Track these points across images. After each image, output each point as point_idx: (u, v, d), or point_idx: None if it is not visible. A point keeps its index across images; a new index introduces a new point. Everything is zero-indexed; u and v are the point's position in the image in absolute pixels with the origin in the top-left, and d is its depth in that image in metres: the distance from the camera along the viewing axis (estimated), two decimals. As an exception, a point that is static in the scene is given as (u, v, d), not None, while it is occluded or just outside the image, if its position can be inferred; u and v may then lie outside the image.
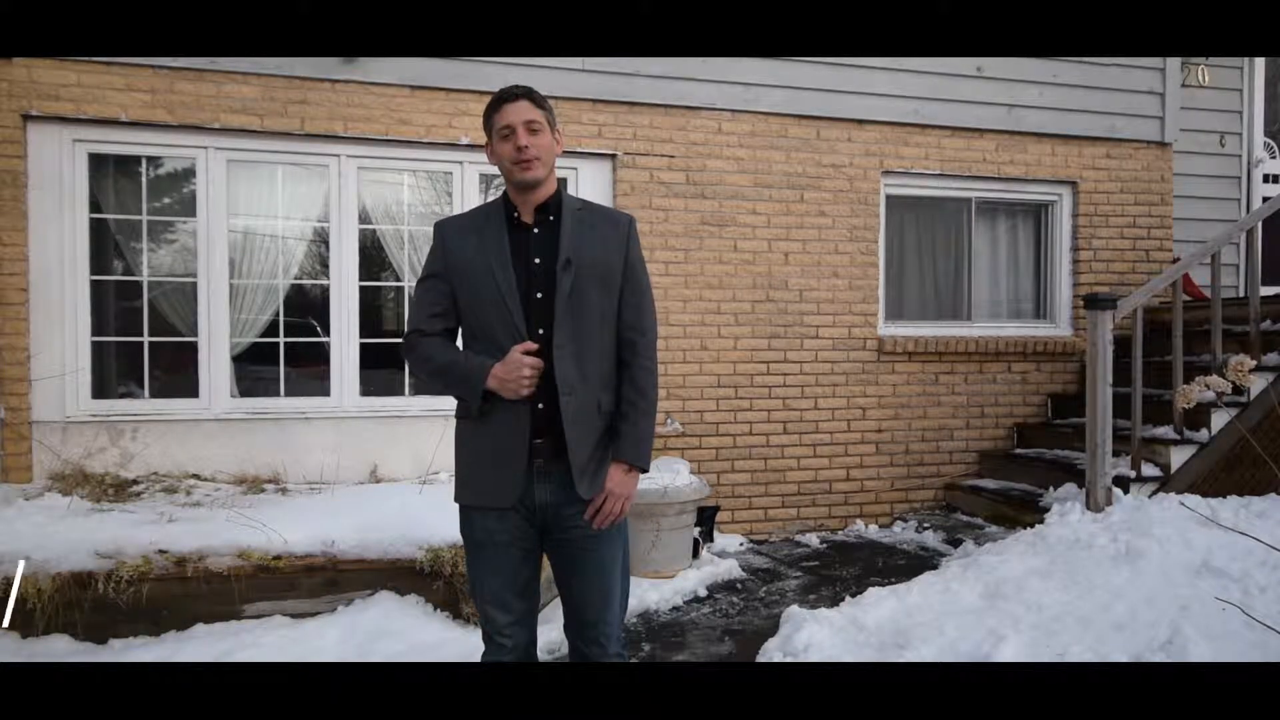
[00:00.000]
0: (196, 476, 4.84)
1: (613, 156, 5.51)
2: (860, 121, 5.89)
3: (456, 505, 2.32)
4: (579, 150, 5.43)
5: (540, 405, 2.17)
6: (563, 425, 2.16)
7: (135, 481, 4.69)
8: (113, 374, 5.00)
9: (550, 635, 3.48)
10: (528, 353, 2.14)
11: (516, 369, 2.11)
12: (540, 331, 2.17)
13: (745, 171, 5.70)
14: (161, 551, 3.70)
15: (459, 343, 2.33)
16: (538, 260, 2.22)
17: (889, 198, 6.10)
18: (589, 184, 5.53)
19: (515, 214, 2.27)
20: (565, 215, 2.26)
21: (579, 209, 2.30)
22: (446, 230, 2.31)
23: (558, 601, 2.41)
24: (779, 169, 5.76)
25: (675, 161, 5.57)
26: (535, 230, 2.25)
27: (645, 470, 2.29)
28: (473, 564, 2.30)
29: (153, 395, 4.95)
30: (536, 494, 2.19)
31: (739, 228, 5.69)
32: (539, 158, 2.22)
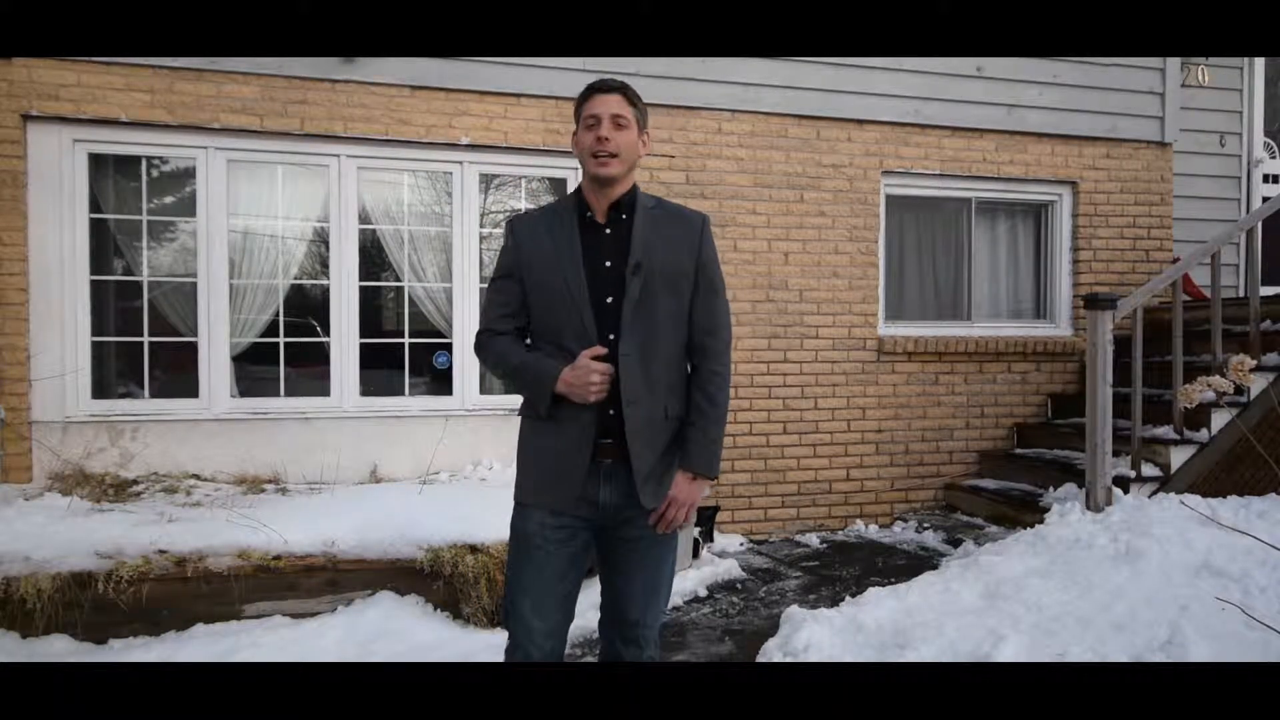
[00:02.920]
0: (196, 476, 4.84)
1: (613, 156, 5.50)
2: (860, 121, 5.89)
3: (513, 501, 2.29)
4: (579, 150, 5.43)
5: (610, 411, 2.15)
6: (625, 434, 2.14)
7: (135, 481, 4.69)
8: (112, 374, 5.00)
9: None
10: (597, 358, 2.12)
11: (585, 375, 2.09)
12: (610, 336, 2.15)
13: (745, 171, 5.70)
14: (161, 551, 3.70)
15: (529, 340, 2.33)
16: (609, 264, 2.18)
17: (889, 198, 6.10)
18: (589, 184, 5.52)
19: (588, 213, 2.23)
20: (638, 215, 2.21)
21: (652, 208, 2.26)
22: (518, 228, 2.27)
23: (598, 587, 2.35)
24: (779, 169, 5.76)
25: (675, 161, 5.57)
26: (607, 231, 2.21)
27: (714, 479, 2.24)
28: (517, 563, 2.23)
29: (153, 395, 4.95)
30: (600, 494, 2.17)
31: (739, 228, 5.69)
32: (618, 155, 2.17)
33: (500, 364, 2.26)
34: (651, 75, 5.46)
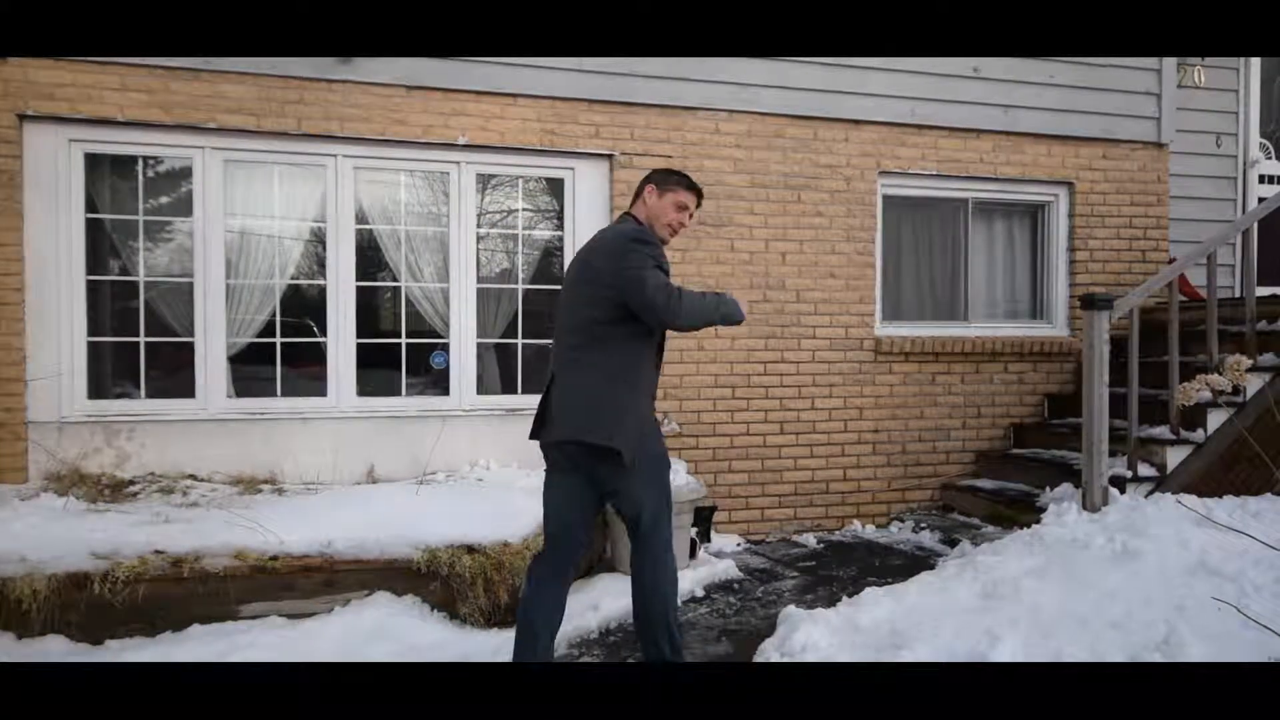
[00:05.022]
0: (193, 477, 4.84)
1: (610, 156, 5.51)
2: (857, 122, 5.90)
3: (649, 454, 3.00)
4: (576, 151, 5.43)
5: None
6: None
7: (131, 482, 4.68)
8: (108, 374, 4.99)
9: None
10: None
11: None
12: None
13: (742, 172, 5.71)
14: (158, 552, 3.69)
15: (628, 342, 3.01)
16: None
17: (886, 198, 6.10)
18: (586, 184, 5.53)
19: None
20: None
21: None
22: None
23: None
24: (776, 169, 5.77)
25: (672, 161, 5.56)
26: None
27: None
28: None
29: (149, 395, 4.94)
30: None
31: (736, 228, 5.69)
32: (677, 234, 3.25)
33: (702, 299, 2.96)
34: (648, 75, 5.47)
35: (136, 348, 4.93)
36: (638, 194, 3.16)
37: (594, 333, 2.91)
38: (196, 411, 4.95)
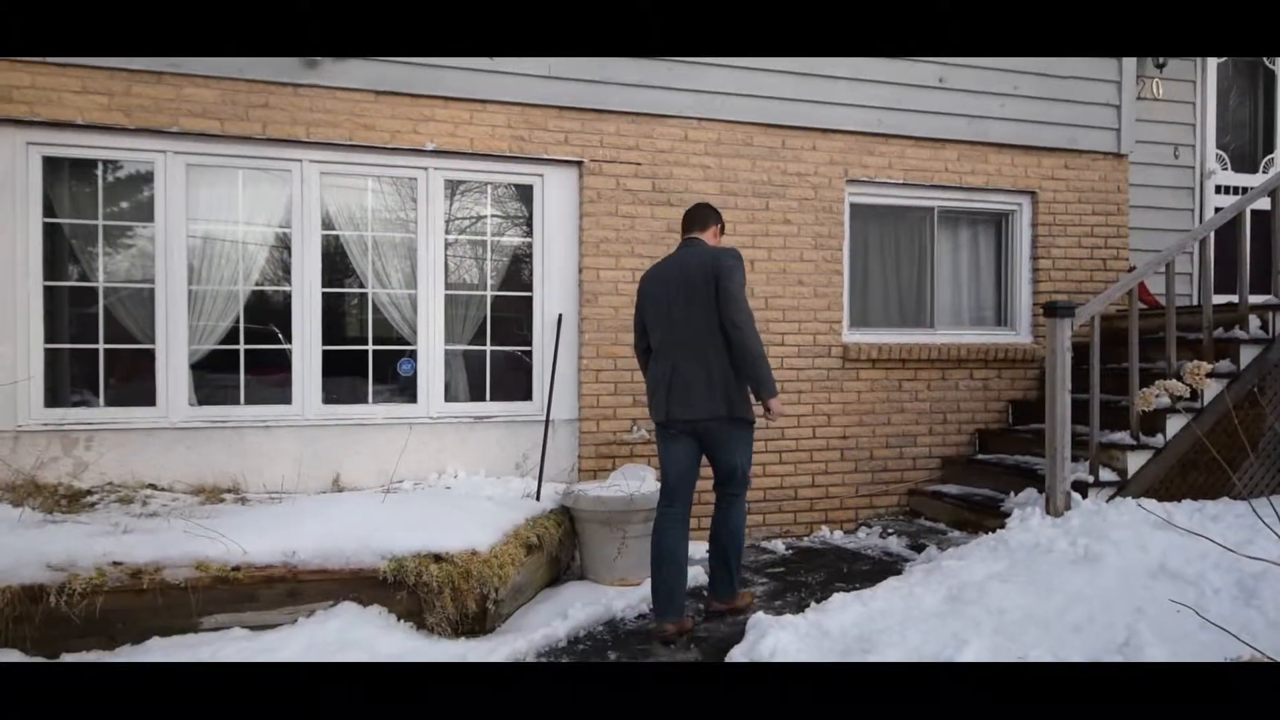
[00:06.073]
0: (153, 486, 4.75)
1: (579, 163, 5.51)
2: (825, 130, 5.95)
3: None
4: (545, 157, 5.42)
5: None
6: None
7: (89, 492, 4.58)
8: (66, 382, 4.89)
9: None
10: None
11: None
12: None
13: (711, 179, 5.73)
14: (116, 563, 3.61)
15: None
16: None
17: (853, 206, 6.16)
18: (555, 191, 5.52)
19: None
20: None
21: None
22: None
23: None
24: (745, 177, 5.80)
25: (642, 169, 5.59)
26: None
27: None
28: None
29: (108, 404, 4.85)
30: None
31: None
32: None
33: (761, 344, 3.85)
34: (618, 83, 5.48)
35: (95, 355, 4.84)
36: (704, 226, 4.08)
37: (716, 334, 3.78)
38: (157, 420, 4.87)
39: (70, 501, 4.41)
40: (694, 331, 3.82)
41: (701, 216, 4.09)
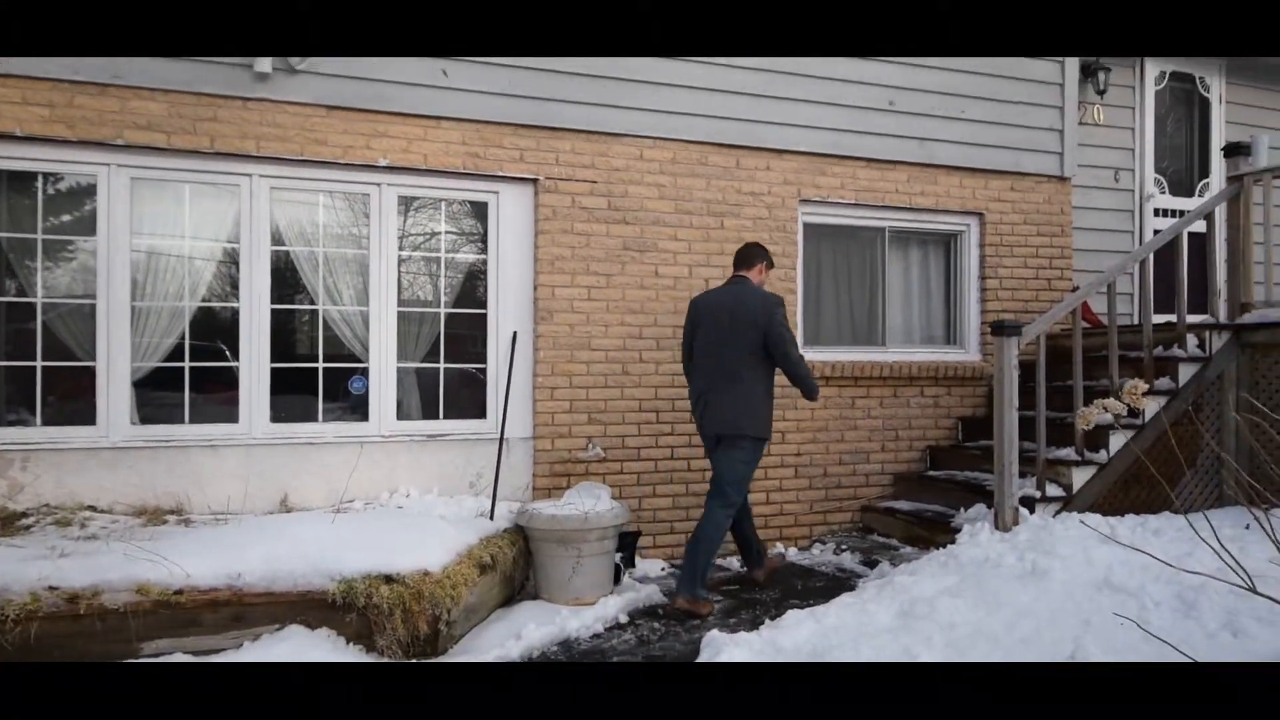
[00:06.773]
0: (92, 508, 4.60)
1: (534, 181, 5.50)
2: (779, 151, 6.02)
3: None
4: (500, 175, 5.41)
5: None
6: None
7: (24, 514, 4.43)
8: (1, 400, 4.72)
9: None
10: None
11: None
12: None
13: (666, 198, 5.76)
14: (51, 588, 3.49)
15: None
16: None
17: (806, 225, 6.24)
18: (510, 208, 5.50)
19: None
20: None
21: None
22: None
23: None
24: (699, 195, 5.84)
25: (597, 187, 5.60)
26: None
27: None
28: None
29: (45, 423, 4.70)
30: None
31: (660, 253, 5.74)
32: None
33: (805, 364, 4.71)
34: (573, 101, 5.49)
35: (33, 372, 4.69)
36: (750, 264, 4.83)
37: (751, 360, 4.59)
38: (97, 439, 4.73)
39: (4, 524, 4.26)
40: (731, 362, 4.60)
41: (749, 256, 4.82)
